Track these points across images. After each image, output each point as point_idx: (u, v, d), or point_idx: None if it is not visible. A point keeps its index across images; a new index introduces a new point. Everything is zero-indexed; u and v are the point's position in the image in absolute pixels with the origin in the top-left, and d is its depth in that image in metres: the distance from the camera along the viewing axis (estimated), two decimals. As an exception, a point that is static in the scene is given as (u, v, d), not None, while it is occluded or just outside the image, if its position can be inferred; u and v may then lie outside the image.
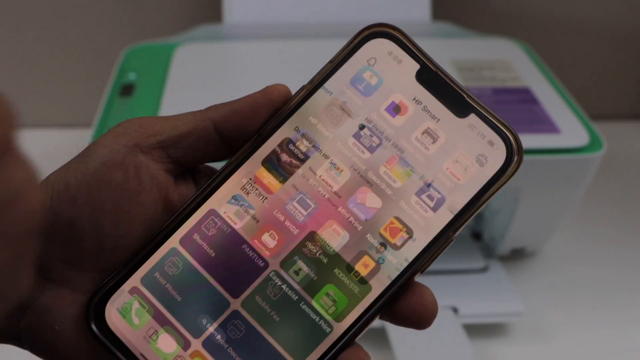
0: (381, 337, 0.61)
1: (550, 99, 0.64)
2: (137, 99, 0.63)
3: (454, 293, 0.64)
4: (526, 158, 0.58)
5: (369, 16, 0.75)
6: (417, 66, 0.30)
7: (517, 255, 0.71)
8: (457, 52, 0.68)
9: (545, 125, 0.60)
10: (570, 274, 0.70)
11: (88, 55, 0.87)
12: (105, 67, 0.76)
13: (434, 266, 0.72)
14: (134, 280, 0.29)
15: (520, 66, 0.68)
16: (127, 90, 0.64)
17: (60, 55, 0.87)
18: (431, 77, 0.30)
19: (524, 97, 0.64)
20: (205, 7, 0.85)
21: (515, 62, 0.69)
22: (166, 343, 0.28)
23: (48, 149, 0.84)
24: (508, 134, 0.29)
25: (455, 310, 0.63)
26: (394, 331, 0.60)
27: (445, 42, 0.72)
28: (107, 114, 0.61)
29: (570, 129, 0.60)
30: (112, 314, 0.29)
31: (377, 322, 0.63)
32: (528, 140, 0.59)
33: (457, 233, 0.29)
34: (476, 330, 0.63)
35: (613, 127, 0.84)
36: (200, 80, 0.64)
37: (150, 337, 0.28)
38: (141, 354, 0.28)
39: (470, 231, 0.72)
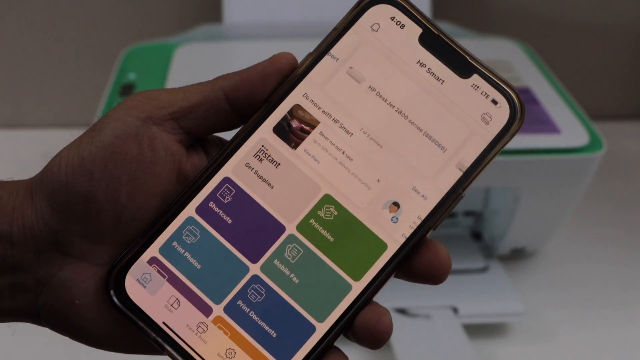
0: (381, 337, 0.61)
1: (550, 99, 0.64)
2: (137, 99, 0.63)
3: (454, 293, 0.64)
4: (526, 158, 0.58)
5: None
6: (419, 30, 0.30)
7: (517, 255, 0.71)
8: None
9: (545, 125, 0.60)
10: (570, 274, 0.70)
11: (88, 55, 0.87)
12: (105, 67, 0.76)
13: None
14: (152, 250, 0.29)
15: (520, 66, 0.68)
16: (127, 90, 0.65)
17: (61, 55, 0.87)
18: (434, 40, 0.30)
19: (524, 97, 0.64)
20: (205, 7, 0.85)
21: (515, 62, 0.69)
22: (188, 310, 0.29)
23: (48, 149, 0.84)
24: (511, 92, 0.30)
25: (455, 310, 0.63)
26: (394, 331, 0.60)
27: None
28: (107, 114, 0.61)
29: (570, 129, 0.60)
30: (132, 284, 0.29)
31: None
32: (528, 140, 0.59)
33: (466, 190, 0.29)
34: (476, 330, 0.63)
35: (613, 127, 0.84)
36: (200, 80, 0.64)
37: (171, 305, 0.29)
38: (163, 322, 0.28)
39: (470, 231, 0.72)
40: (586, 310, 0.66)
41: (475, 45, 0.73)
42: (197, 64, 0.67)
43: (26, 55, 0.87)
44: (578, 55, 0.91)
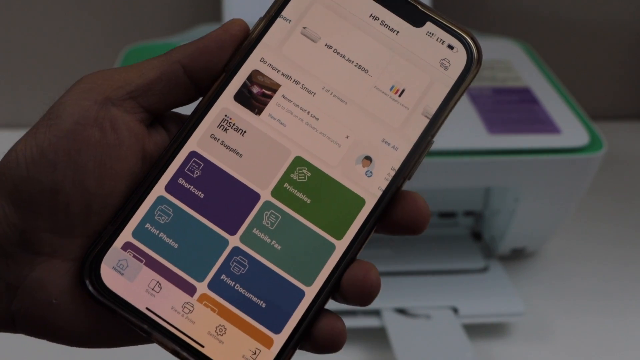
0: (381, 337, 0.61)
1: (550, 99, 0.64)
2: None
3: (454, 293, 0.64)
4: (526, 158, 0.58)
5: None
6: None
7: (517, 255, 0.71)
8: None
9: (545, 125, 0.60)
10: (571, 274, 0.70)
11: (88, 55, 0.87)
12: (105, 67, 0.76)
13: (433, 266, 0.72)
14: (125, 235, 0.28)
15: (520, 66, 0.68)
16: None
17: (61, 55, 0.87)
18: None
19: (524, 97, 0.64)
20: (205, 7, 0.85)
21: (515, 62, 0.69)
22: (171, 292, 0.28)
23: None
24: (465, 35, 0.30)
25: (455, 310, 0.63)
26: (394, 331, 0.60)
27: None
28: (107, 114, 0.61)
29: (570, 129, 0.60)
30: (109, 273, 0.28)
31: (376, 322, 0.63)
32: (528, 140, 0.59)
33: (435, 136, 0.29)
34: (476, 330, 0.63)
35: (613, 127, 0.84)
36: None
37: (152, 289, 0.28)
38: (147, 308, 0.27)
39: (470, 231, 0.72)
40: (586, 310, 0.66)
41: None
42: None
43: (26, 55, 0.87)
44: (578, 55, 0.91)
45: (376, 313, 0.62)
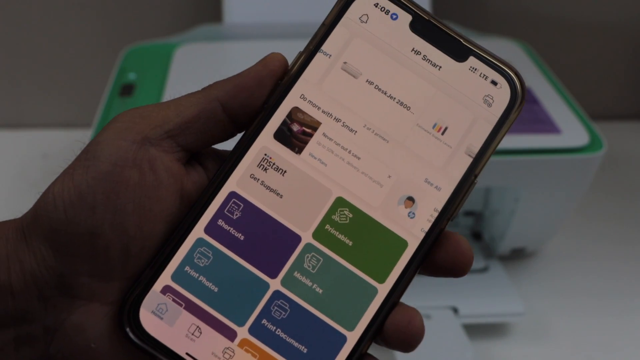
0: (381, 337, 0.61)
1: (550, 99, 0.64)
2: (137, 99, 0.63)
3: (454, 293, 0.64)
4: (526, 158, 0.58)
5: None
6: (409, 17, 0.30)
7: (517, 255, 0.71)
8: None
9: (545, 125, 0.60)
10: (571, 274, 0.70)
11: (88, 55, 0.87)
12: (105, 67, 0.76)
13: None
14: (164, 278, 0.28)
15: (520, 66, 0.68)
16: (127, 90, 0.65)
17: (61, 55, 0.87)
18: (425, 26, 0.30)
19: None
20: (205, 7, 0.85)
21: (515, 62, 0.69)
22: (211, 337, 0.27)
23: (48, 149, 0.84)
24: (509, 71, 0.29)
25: (455, 310, 0.63)
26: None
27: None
28: (107, 113, 0.61)
29: (570, 129, 0.60)
30: (148, 317, 0.27)
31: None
32: (528, 140, 0.59)
33: (479, 176, 0.29)
34: (476, 330, 0.63)
35: (613, 127, 0.84)
36: (200, 81, 0.63)
37: (192, 334, 0.27)
38: (187, 353, 0.27)
39: (470, 231, 0.72)
40: (586, 310, 0.66)
41: (475, 45, 0.74)
42: (197, 64, 0.67)
43: (26, 55, 0.87)
44: (578, 55, 0.91)
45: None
